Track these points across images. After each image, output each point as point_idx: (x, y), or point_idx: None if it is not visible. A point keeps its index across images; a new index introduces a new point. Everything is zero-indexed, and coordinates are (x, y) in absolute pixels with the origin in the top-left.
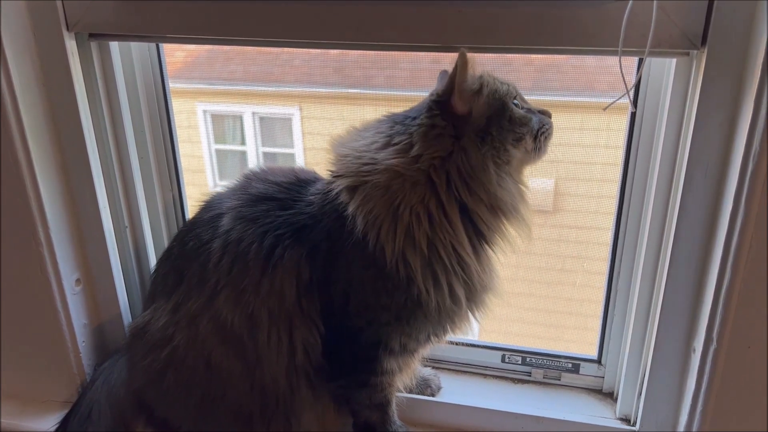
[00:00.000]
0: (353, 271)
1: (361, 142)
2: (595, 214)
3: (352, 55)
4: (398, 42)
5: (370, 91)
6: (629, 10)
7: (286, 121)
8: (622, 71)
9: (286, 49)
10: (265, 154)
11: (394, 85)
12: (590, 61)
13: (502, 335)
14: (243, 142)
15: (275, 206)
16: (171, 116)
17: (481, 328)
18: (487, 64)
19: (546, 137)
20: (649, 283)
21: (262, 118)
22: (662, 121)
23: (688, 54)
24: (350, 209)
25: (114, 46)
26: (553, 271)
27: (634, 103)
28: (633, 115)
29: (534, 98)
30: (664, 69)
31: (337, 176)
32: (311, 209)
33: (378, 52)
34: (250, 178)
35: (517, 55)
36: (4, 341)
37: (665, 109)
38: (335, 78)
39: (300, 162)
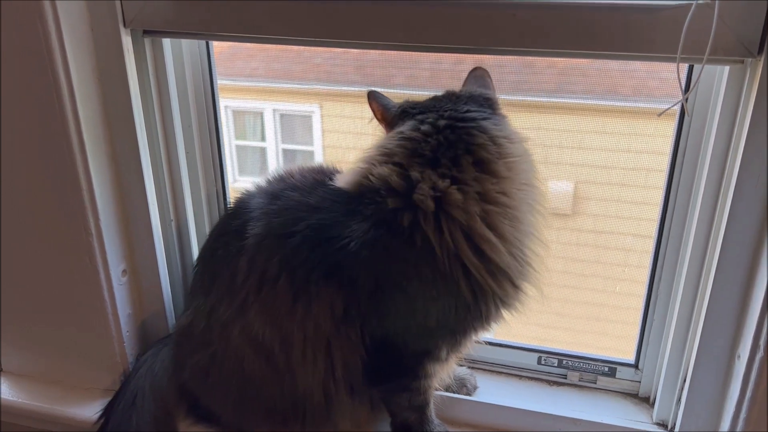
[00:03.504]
0: (418, 303)
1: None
2: (617, 219)
3: (373, 54)
4: (449, 44)
5: (391, 91)
6: (691, 16)
7: (306, 119)
8: (679, 78)
9: (308, 47)
10: (285, 150)
11: (414, 84)
12: (613, 65)
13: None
14: (263, 139)
15: (299, 242)
16: (218, 112)
17: (514, 333)
18: (507, 66)
19: None
20: (692, 289)
21: (282, 115)
22: (712, 128)
23: (742, 62)
24: (433, 240)
25: (166, 42)
26: (573, 275)
27: (682, 107)
28: (681, 121)
29: (557, 101)
30: (715, 76)
31: (405, 205)
32: (350, 248)
33: (400, 51)
34: (272, 200)
35: (539, 58)
36: (51, 328)
37: (715, 116)
38: (356, 77)
39: (319, 159)
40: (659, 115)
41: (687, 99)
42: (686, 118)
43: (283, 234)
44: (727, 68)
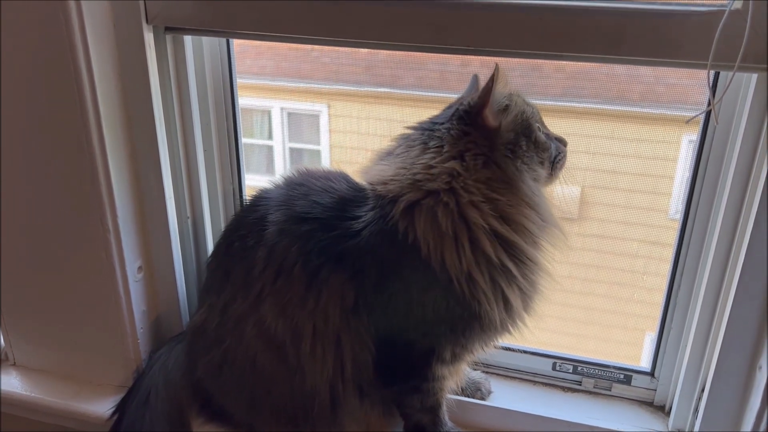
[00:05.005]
0: (413, 294)
1: (398, 161)
2: (623, 224)
3: (382, 55)
4: (476, 47)
5: (399, 91)
6: (724, 22)
7: (314, 118)
8: (709, 84)
9: (316, 46)
10: (292, 149)
11: (422, 86)
12: (621, 70)
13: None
14: (270, 137)
15: (318, 227)
16: (237, 110)
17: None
18: (516, 69)
19: (561, 165)
20: (713, 298)
21: (290, 114)
22: (737, 136)
23: None
24: (410, 234)
25: (188, 40)
26: (577, 280)
27: (706, 115)
28: (704, 129)
29: (564, 105)
30: (741, 84)
31: (389, 199)
32: (359, 236)
33: (408, 52)
34: (293, 188)
35: (547, 61)
36: (65, 323)
37: (741, 123)
38: (364, 77)
39: (326, 158)
40: (687, 122)
41: (706, 104)
42: (710, 125)
43: (302, 216)
44: (755, 76)
